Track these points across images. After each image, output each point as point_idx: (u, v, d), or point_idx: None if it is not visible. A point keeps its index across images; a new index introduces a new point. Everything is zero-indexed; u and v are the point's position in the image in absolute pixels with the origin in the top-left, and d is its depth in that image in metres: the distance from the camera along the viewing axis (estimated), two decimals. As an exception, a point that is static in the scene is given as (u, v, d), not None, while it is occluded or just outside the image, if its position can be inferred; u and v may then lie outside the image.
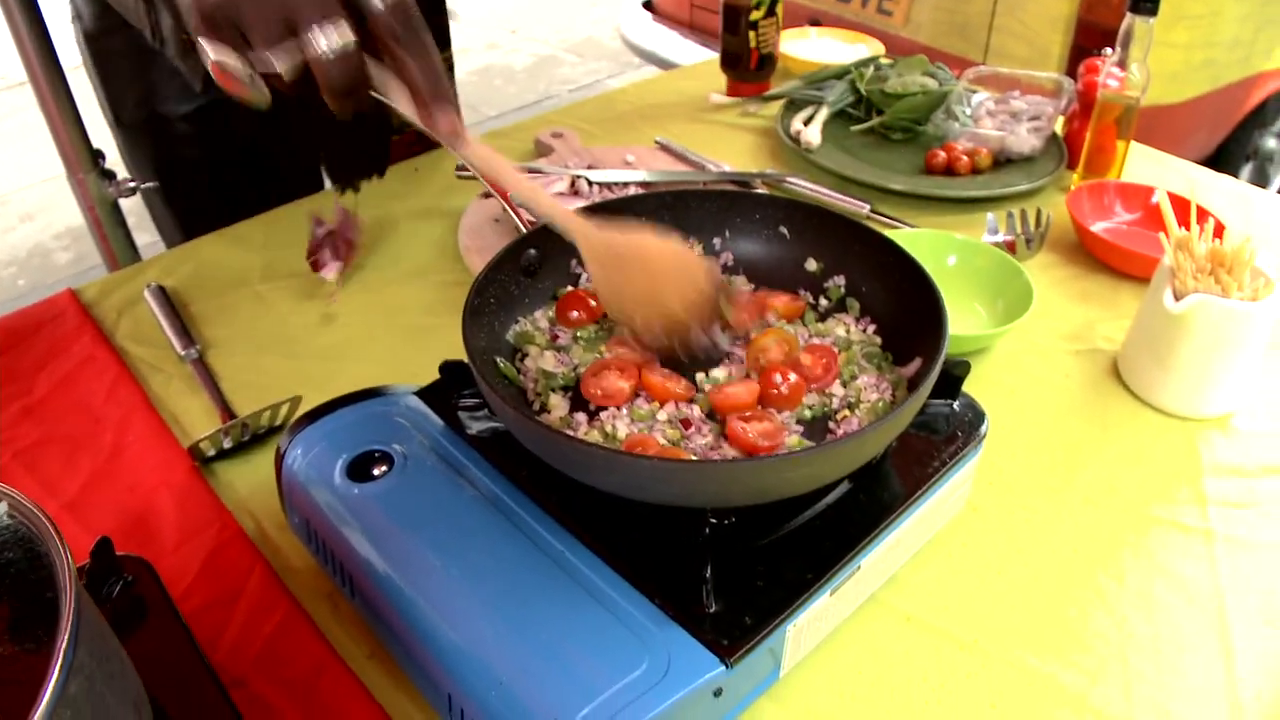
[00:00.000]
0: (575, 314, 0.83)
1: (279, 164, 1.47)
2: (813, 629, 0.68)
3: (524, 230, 1.08)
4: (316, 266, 1.15)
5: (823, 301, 0.86)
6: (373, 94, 0.69)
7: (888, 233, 1.07)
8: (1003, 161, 1.38)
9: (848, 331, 0.83)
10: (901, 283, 0.79)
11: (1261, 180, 3.25)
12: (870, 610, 0.76)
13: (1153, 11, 1.21)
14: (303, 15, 0.63)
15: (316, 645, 0.75)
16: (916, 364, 0.76)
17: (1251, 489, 0.89)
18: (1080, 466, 0.91)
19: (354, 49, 0.64)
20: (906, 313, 0.79)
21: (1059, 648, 0.75)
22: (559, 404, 0.76)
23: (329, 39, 0.63)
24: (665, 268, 0.75)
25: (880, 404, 0.75)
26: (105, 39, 1.34)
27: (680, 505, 0.64)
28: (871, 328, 0.83)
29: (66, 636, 0.43)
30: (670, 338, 0.75)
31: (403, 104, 0.68)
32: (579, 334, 0.83)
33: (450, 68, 1.54)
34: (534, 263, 0.85)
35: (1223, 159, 2.83)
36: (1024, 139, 1.36)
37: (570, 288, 0.87)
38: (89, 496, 0.90)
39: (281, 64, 0.64)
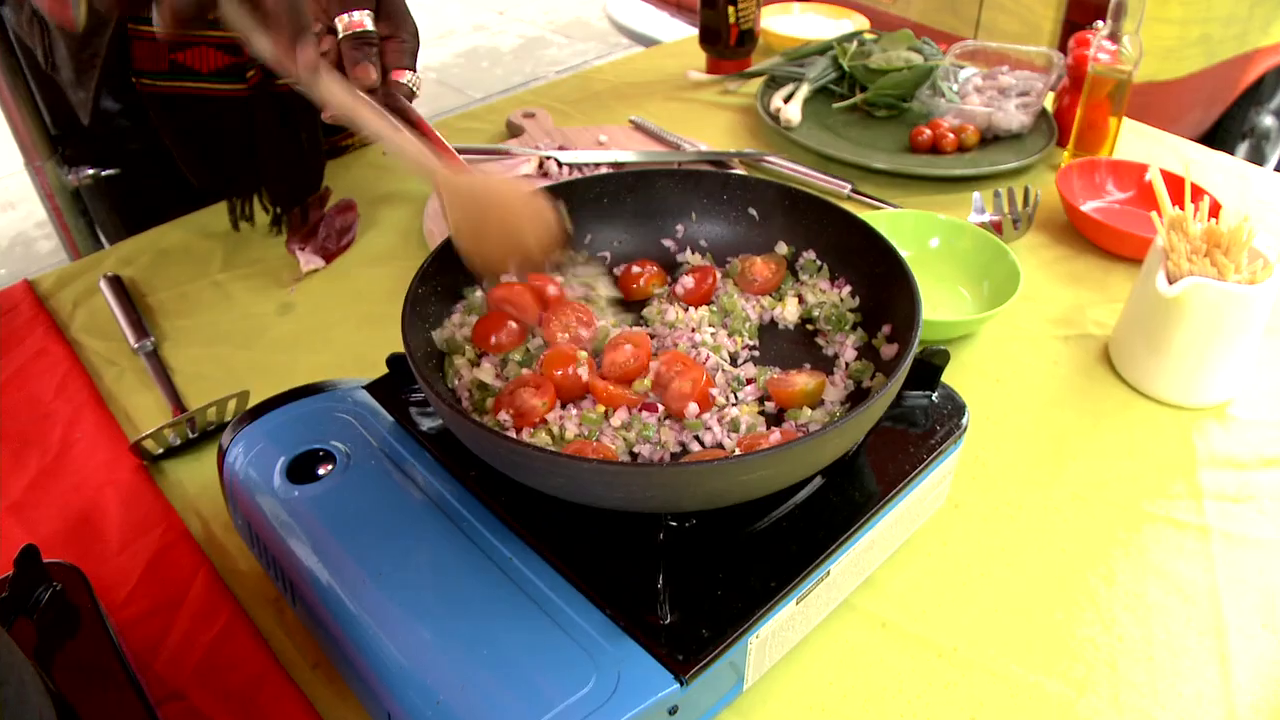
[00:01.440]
0: (494, 339, 0.78)
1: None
2: (779, 639, 0.63)
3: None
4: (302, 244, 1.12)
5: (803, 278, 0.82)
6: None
7: (869, 214, 1.03)
8: (990, 139, 1.33)
9: (822, 295, 0.80)
10: (875, 267, 0.75)
11: (1258, 158, 3.21)
12: (843, 616, 0.72)
13: (1145, -18, 1.16)
14: None
15: (259, 654, 0.71)
16: (893, 349, 0.72)
17: (1249, 482, 0.85)
18: (1069, 459, 0.87)
19: None
20: (880, 300, 0.75)
21: (1044, 654, 0.71)
22: None
23: None
24: (522, 211, 0.74)
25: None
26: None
27: (628, 510, 0.60)
28: (847, 289, 0.80)
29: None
30: (520, 271, 0.77)
31: (260, 43, 0.64)
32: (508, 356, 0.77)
33: None
34: None
35: (1218, 137, 2.80)
36: (1012, 115, 1.32)
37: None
38: (34, 496, 0.86)
39: None
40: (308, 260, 1.11)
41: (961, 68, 1.43)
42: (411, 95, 0.82)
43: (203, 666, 0.70)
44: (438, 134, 0.79)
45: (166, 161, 1.17)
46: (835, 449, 0.62)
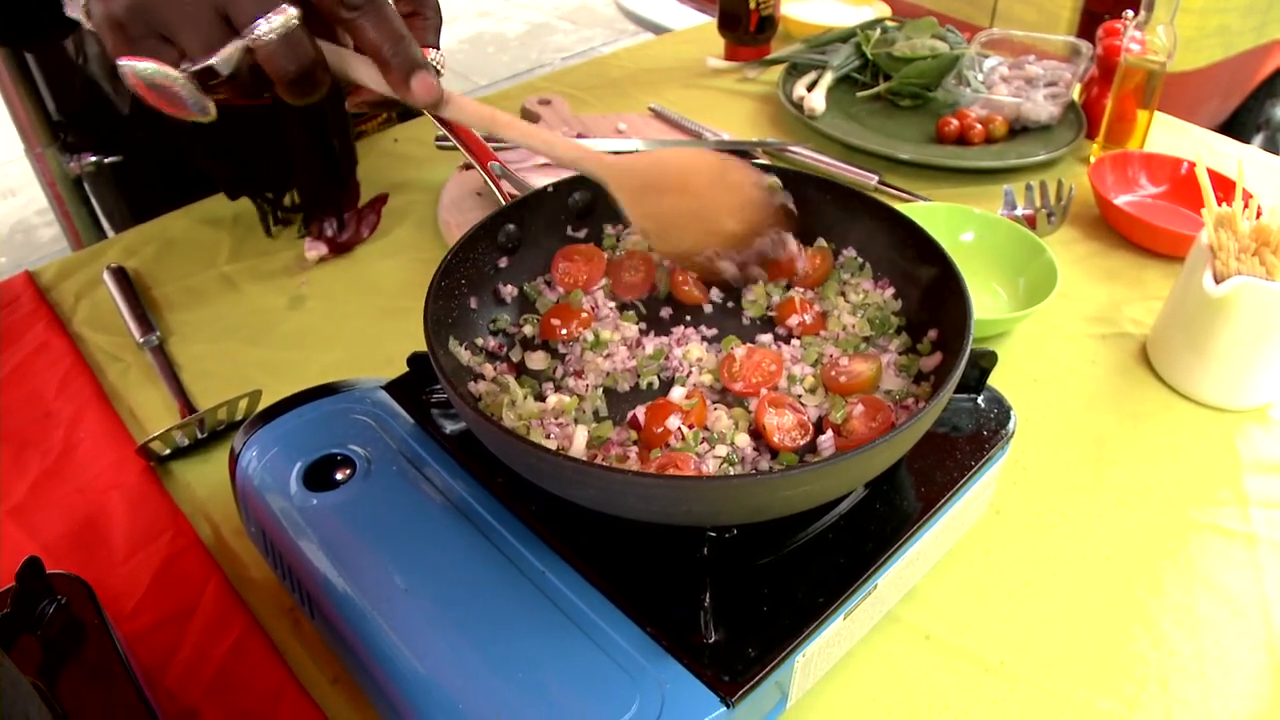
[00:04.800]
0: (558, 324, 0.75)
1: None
2: (824, 655, 0.60)
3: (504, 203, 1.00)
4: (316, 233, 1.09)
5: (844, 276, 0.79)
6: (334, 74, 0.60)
7: (901, 207, 1.00)
8: (1018, 130, 1.30)
9: (864, 296, 0.76)
10: (921, 269, 0.71)
11: (1272, 151, 3.17)
12: (886, 629, 0.69)
13: (1181, -30, 1.13)
14: (236, 5, 0.54)
15: (275, 668, 0.68)
16: (937, 358, 0.69)
17: (1296, 488, 0.82)
18: (1111, 463, 0.84)
19: (298, 25, 0.55)
20: (925, 300, 0.71)
21: (1093, 670, 0.68)
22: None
23: (270, 22, 0.54)
24: (711, 186, 0.67)
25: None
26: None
27: (666, 524, 0.57)
28: (890, 291, 0.76)
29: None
30: (733, 258, 0.67)
31: (369, 78, 0.60)
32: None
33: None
34: (513, 239, 0.77)
35: (1234, 128, 2.76)
36: (1041, 106, 1.28)
37: (544, 284, 0.79)
38: (36, 500, 0.83)
39: (220, 62, 0.55)
40: (312, 247, 1.07)
41: (986, 57, 1.39)
42: (437, 74, 0.78)
43: (216, 682, 0.67)
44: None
45: (171, 148, 1.14)
46: (883, 462, 0.59)
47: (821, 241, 0.79)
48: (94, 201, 1.38)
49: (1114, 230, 1.13)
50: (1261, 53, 2.61)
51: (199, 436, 0.85)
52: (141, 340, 0.97)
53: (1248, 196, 0.89)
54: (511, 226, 0.76)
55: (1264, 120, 3.01)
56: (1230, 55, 2.46)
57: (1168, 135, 1.35)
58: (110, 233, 1.37)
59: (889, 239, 0.75)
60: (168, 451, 0.84)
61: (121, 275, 1.06)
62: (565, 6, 5.48)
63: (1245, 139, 2.90)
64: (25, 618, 0.64)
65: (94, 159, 1.29)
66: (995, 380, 0.73)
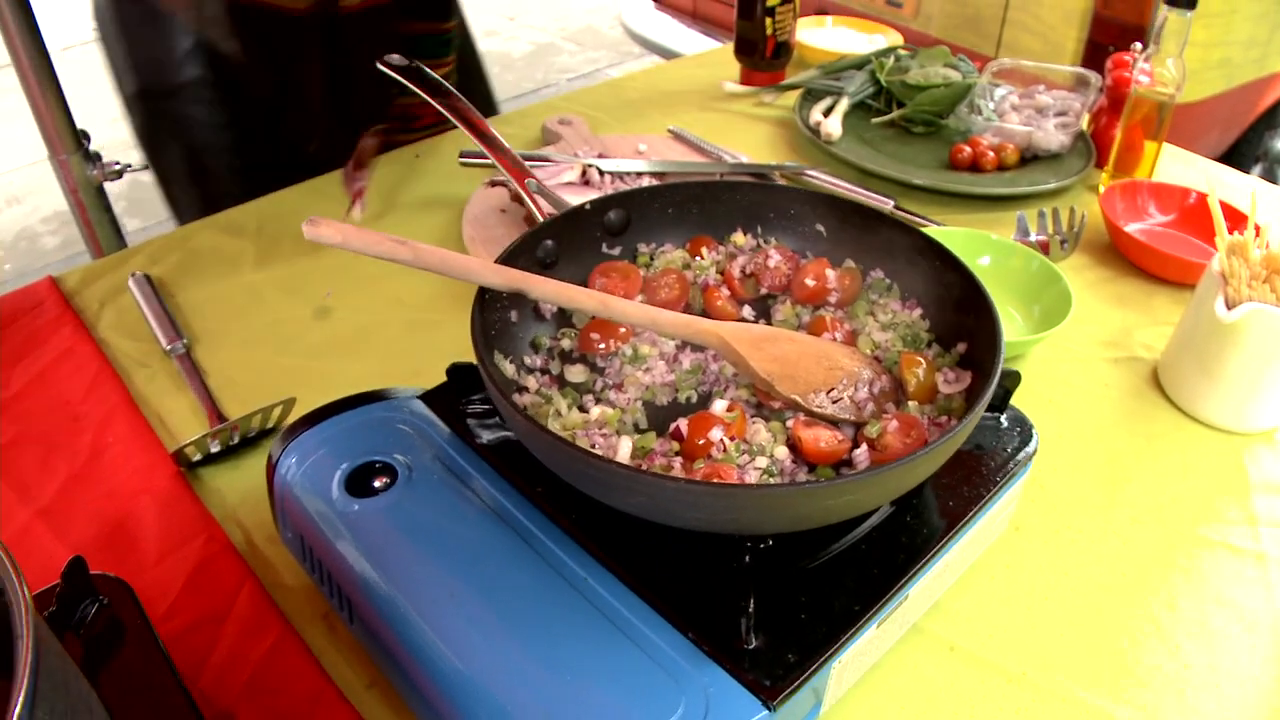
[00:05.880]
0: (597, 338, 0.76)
1: (297, 130, 1.43)
2: (857, 663, 0.62)
3: (540, 219, 1.02)
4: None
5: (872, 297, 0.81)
6: None
7: (924, 229, 1.02)
8: (1029, 158, 1.32)
9: (893, 316, 0.78)
10: (947, 289, 0.73)
11: (1270, 182, 3.21)
12: (912, 640, 0.70)
13: (1191, 4, 1.15)
14: None
15: (311, 672, 0.68)
16: (956, 378, 0.71)
17: (1304, 509, 0.84)
18: (1125, 482, 0.86)
19: None
20: (952, 320, 0.73)
21: (1112, 680, 0.70)
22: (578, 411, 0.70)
23: None
24: (808, 337, 0.74)
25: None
26: (119, 5, 1.32)
27: (711, 531, 0.58)
28: (917, 312, 0.78)
29: (21, 698, 0.36)
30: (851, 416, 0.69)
31: None
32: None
33: (448, 42, 1.49)
34: (551, 255, 0.78)
35: (1233, 159, 2.79)
36: (1052, 135, 1.31)
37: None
38: (65, 503, 0.83)
39: None
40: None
41: (997, 86, 1.42)
42: None
43: (252, 685, 0.68)
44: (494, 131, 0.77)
45: (235, 143, 1.17)
46: (920, 475, 0.61)
47: (850, 263, 0.81)
48: (165, 192, 1.45)
49: (1124, 257, 1.15)
50: (1262, 85, 2.65)
51: (232, 443, 0.86)
52: (168, 347, 0.99)
53: (1258, 226, 0.91)
54: (550, 242, 0.78)
55: (1262, 151, 3.05)
56: (1231, 87, 2.50)
57: (1175, 165, 1.37)
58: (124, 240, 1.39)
59: (917, 261, 0.77)
60: (199, 457, 0.86)
61: (147, 282, 1.07)
62: (570, 28, 5.52)
63: (1244, 170, 2.93)
64: (69, 617, 0.65)
65: (118, 167, 1.31)
66: (1014, 402, 0.75)
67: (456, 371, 0.72)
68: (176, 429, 0.91)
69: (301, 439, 0.72)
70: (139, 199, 3.13)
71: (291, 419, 0.77)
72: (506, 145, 0.98)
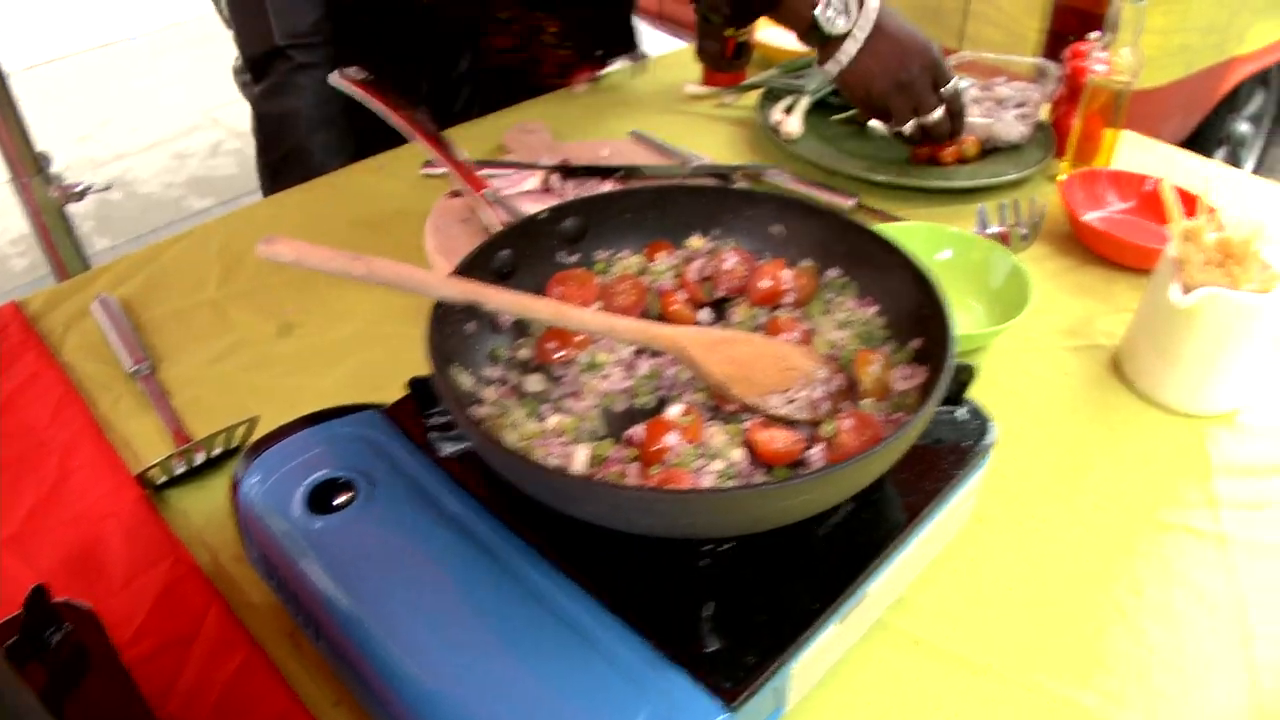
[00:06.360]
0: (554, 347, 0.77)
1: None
2: (819, 661, 0.62)
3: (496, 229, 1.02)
4: None
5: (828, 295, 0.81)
6: None
7: (879, 227, 1.02)
8: (989, 150, 1.33)
9: (849, 314, 0.78)
10: (903, 285, 0.74)
11: (1233, 164, 3.24)
12: (876, 636, 0.71)
13: (1144, -6, 1.16)
14: None
15: (278, 692, 0.68)
16: (911, 373, 0.71)
17: (1263, 490, 0.85)
18: (1087, 469, 0.87)
19: None
20: (908, 317, 0.74)
21: (1078, 668, 0.70)
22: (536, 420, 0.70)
23: None
24: (764, 338, 0.74)
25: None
26: None
27: (669, 536, 0.59)
28: (874, 309, 0.78)
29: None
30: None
31: None
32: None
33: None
34: (508, 265, 0.79)
35: (1197, 143, 2.82)
36: (1011, 126, 1.32)
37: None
38: (32, 529, 0.83)
39: None
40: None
41: (958, 79, 1.42)
42: None
43: (220, 707, 0.68)
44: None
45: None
46: (873, 472, 0.61)
47: (807, 262, 0.81)
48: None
49: (1084, 246, 1.16)
50: (1221, 69, 2.67)
51: (196, 464, 0.86)
52: (133, 369, 0.98)
53: (1211, 210, 0.92)
54: (506, 253, 0.78)
55: (1225, 135, 3.09)
56: (1191, 73, 2.52)
57: (1136, 152, 1.38)
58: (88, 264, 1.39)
59: (871, 259, 0.77)
60: (165, 479, 0.85)
61: (111, 304, 1.07)
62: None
63: (1208, 153, 2.96)
64: (33, 645, 0.65)
65: (80, 189, 1.31)
66: (975, 393, 0.76)
67: (418, 385, 0.72)
68: (143, 451, 0.90)
69: (263, 457, 0.72)
70: (107, 217, 3.11)
71: (256, 437, 0.77)
72: (463, 156, 0.98)
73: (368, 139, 1.32)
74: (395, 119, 0.95)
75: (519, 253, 0.79)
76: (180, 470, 0.86)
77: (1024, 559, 0.78)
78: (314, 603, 0.64)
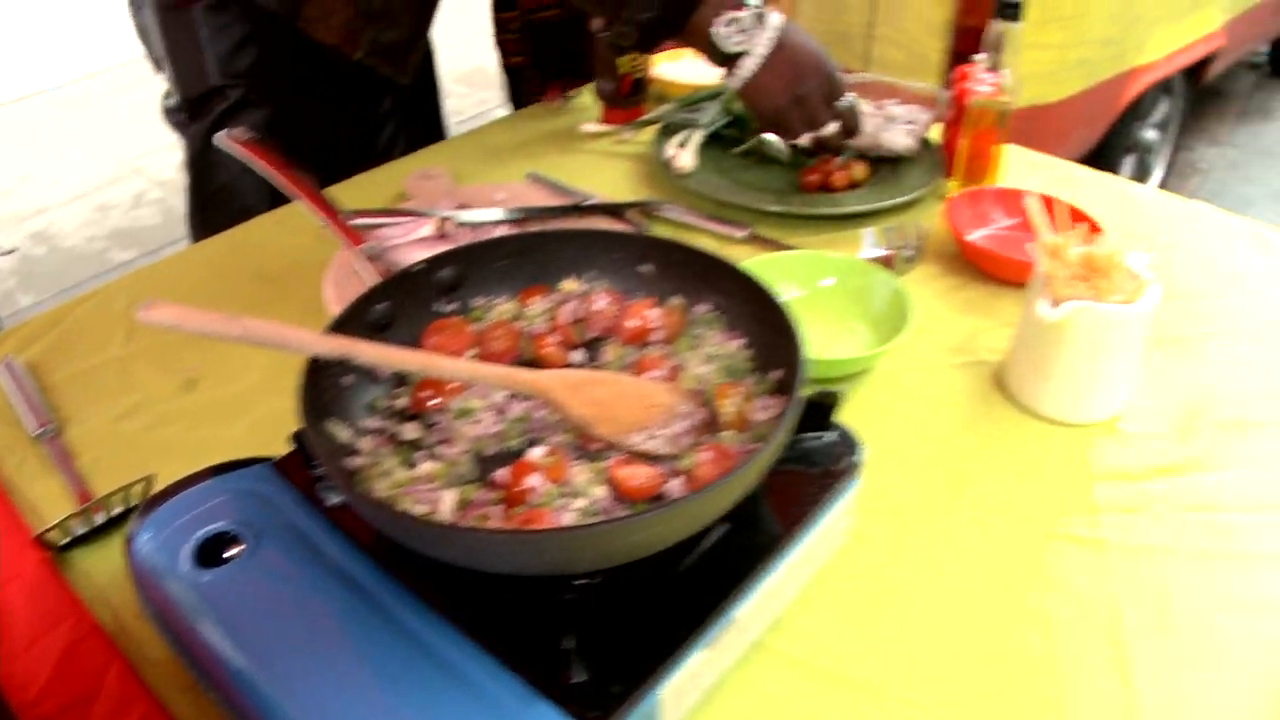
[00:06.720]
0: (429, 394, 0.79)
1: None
2: (690, 686, 0.65)
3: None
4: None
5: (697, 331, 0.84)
6: None
7: (762, 259, 1.06)
8: (874, 160, 1.37)
9: (717, 348, 0.81)
10: (765, 318, 0.77)
11: (1142, 170, 3.34)
12: (755, 658, 0.73)
13: (1017, 17, 1.21)
14: None
15: (177, 745, 0.70)
16: (783, 404, 0.74)
17: (1141, 492, 0.88)
18: (968, 484, 0.90)
19: None
20: (770, 350, 0.77)
21: (957, 681, 0.73)
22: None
23: None
24: (629, 378, 0.77)
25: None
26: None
27: (532, 574, 0.61)
28: (741, 342, 0.81)
29: None
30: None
31: None
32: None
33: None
34: (385, 317, 0.81)
35: (1105, 153, 2.90)
36: (898, 136, 1.36)
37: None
38: (-66, 596, 0.83)
39: None
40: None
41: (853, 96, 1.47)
42: None
43: (120, 762, 0.69)
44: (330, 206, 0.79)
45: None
46: (721, 504, 0.64)
47: (676, 299, 0.84)
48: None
49: (971, 264, 1.20)
50: (1123, 80, 2.76)
51: (95, 524, 0.87)
52: (38, 431, 0.99)
53: (1078, 222, 0.96)
54: (382, 305, 0.80)
55: (1133, 143, 3.18)
56: (1091, 85, 2.60)
57: (1028, 170, 1.42)
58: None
59: (734, 293, 0.81)
60: (66, 540, 0.86)
61: (15, 369, 1.07)
62: (459, 69, 5.52)
63: (1116, 162, 3.05)
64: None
65: (7, 250, 1.30)
66: (858, 414, 0.79)
67: (302, 437, 0.74)
68: (48, 514, 0.91)
69: (155, 514, 0.74)
70: (30, 274, 3.08)
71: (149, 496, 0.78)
72: (338, 211, 1.00)
73: None
74: (279, 178, 0.97)
75: (397, 304, 0.81)
76: (81, 531, 0.87)
77: (904, 576, 0.81)
78: (204, 655, 0.65)
